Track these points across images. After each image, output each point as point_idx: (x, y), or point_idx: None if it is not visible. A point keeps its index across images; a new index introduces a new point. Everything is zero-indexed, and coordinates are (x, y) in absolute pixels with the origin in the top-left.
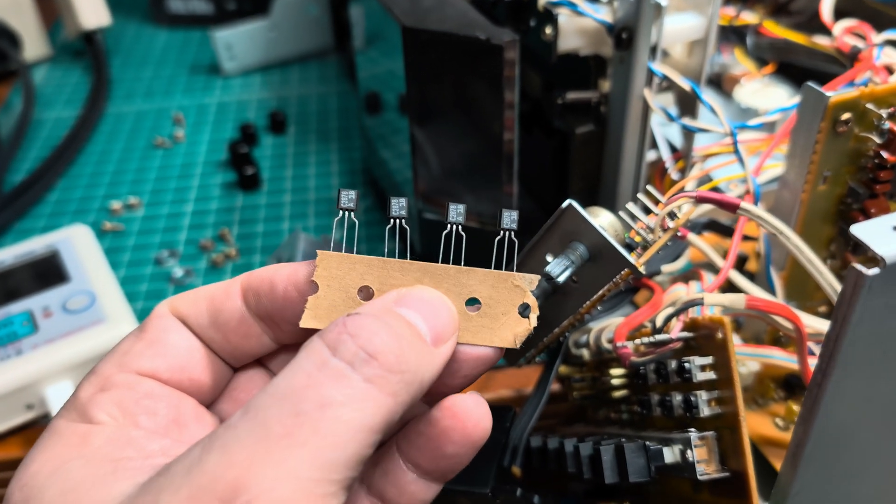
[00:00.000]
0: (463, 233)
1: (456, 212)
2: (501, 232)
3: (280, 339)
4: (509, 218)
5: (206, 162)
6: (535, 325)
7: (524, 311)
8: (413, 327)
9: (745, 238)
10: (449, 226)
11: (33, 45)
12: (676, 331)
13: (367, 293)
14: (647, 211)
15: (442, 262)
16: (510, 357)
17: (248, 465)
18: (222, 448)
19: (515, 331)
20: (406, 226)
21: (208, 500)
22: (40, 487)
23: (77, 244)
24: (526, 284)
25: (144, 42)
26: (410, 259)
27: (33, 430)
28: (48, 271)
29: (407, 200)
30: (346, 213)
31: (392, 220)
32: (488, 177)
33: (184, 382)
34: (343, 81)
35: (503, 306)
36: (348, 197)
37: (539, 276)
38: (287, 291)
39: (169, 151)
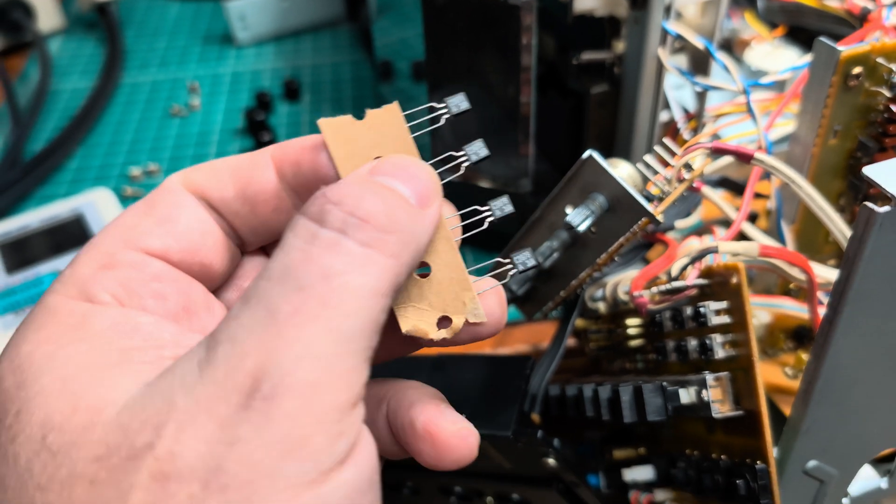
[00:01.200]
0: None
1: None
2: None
3: None
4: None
5: (223, 130)
6: (437, 339)
7: (444, 322)
8: (396, 192)
9: (756, 196)
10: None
11: (47, 16)
12: (692, 278)
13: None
14: (664, 164)
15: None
16: (527, 311)
17: (263, 352)
18: (230, 340)
19: (417, 323)
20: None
21: (226, 394)
22: (36, 371)
23: (100, 207)
24: (469, 309)
25: (157, 13)
26: None
27: None
28: (73, 233)
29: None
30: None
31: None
32: (504, 139)
33: (194, 267)
34: (356, 50)
35: (439, 301)
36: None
37: (485, 320)
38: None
39: (185, 120)
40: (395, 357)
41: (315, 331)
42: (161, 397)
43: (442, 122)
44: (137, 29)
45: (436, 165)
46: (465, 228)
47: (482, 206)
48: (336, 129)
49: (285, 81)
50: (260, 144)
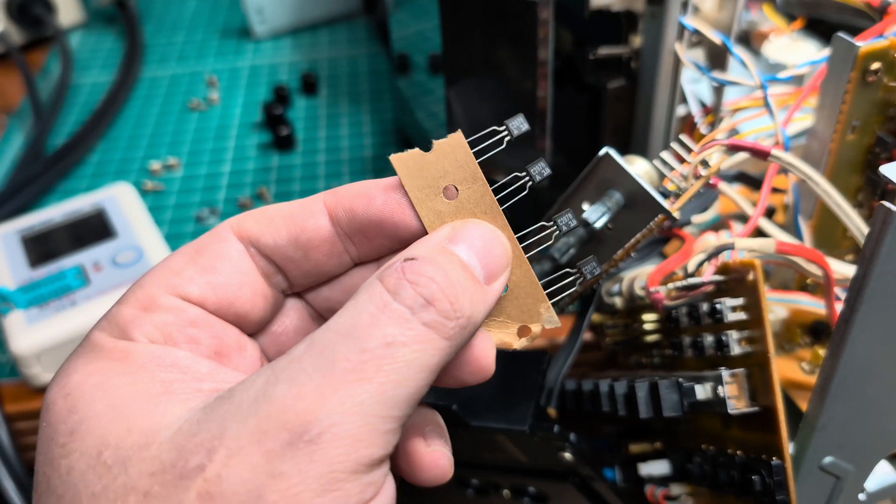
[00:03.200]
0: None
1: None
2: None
3: (366, 254)
4: (538, 169)
5: (241, 123)
6: (519, 348)
7: (523, 332)
8: (466, 268)
9: (773, 191)
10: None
11: (67, 11)
12: (708, 274)
13: (451, 192)
14: (681, 160)
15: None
16: None
17: (316, 398)
18: (290, 380)
19: (500, 336)
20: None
21: (277, 431)
22: (88, 398)
23: (121, 201)
24: (545, 318)
25: (175, 7)
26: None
27: None
28: (96, 227)
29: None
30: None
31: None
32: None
33: (229, 315)
34: (372, 44)
35: (516, 312)
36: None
37: (559, 325)
38: (387, 202)
39: (204, 114)
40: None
41: (368, 390)
42: (216, 423)
43: (504, 144)
44: (156, 23)
45: (499, 188)
46: (507, 196)
47: (520, 171)
48: (406, 163)
49: (303, 75)
50: (278, 138)
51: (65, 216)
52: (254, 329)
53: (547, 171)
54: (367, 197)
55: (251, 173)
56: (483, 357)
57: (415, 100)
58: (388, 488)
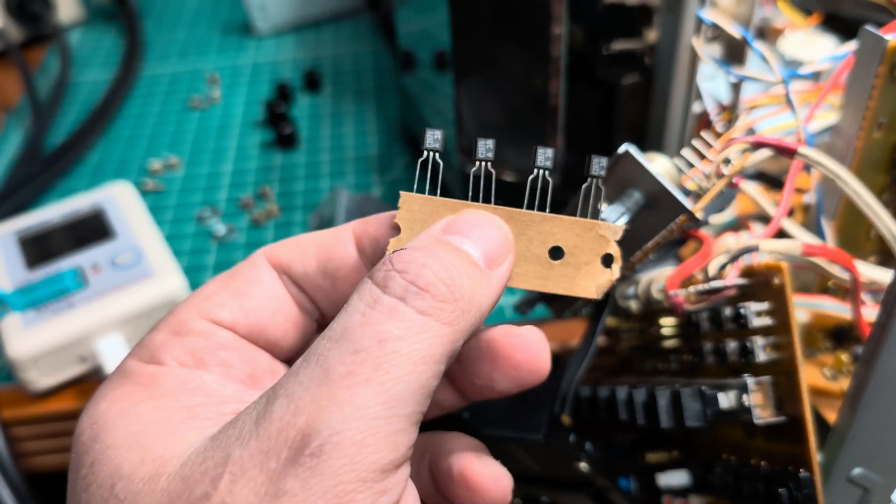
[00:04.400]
0: (492, 170)
1: (485, 147)
2: (535, 171)
3: None
4: (543, 156)
5: (244, 122)
6: (619, 276)
7: (607, 261)
8: (463, 253)
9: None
10: (477, 163)
11: (66, 8)
12: (731, 278)
13: None
14: (701, 158)
15: (483, 202)
16: (556, 309)
17: (314, 410)
18: (287, 396)
19: (598, 281)
20: (439, 160)
21: (278, 449)
22: (110, 426)
23: (121, 201)
24: (610, 234)
25: (175, 3)
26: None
27: (88, 382)
28: (94, 228)
29: (443, 133)
30: (431, 153)
31: (425, 153)
32: (532, 131)
33: (260, 341)
34: (377, 41)
35: (586, 256)
36: (433, 137)
37: (624, 227)
38: None
39: (205, 112)
40: (446, 413)
41: (366, 393)
42: (220, 450)
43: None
44: (156, 19)
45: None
46: (532, 199)
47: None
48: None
49: (306, 73)
50: (281, 137)
51: (63, 216)
52: (287, 356)
53: (550, 153)
54: (394, 227)
55: (253, 172)
56: (541, 353)
57: (420, 97)
58: (410, 497)
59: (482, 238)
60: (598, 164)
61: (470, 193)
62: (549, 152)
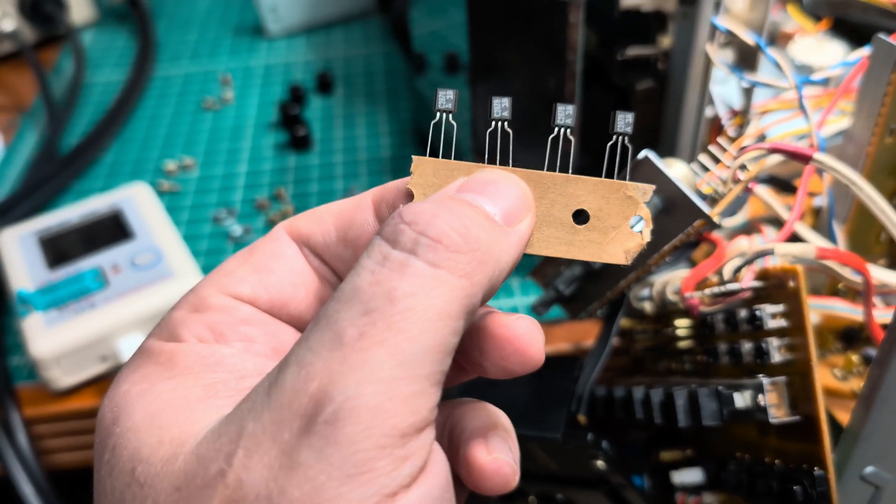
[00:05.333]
0: (509, 129)
1: (500, 106)
2: (556, 129)
3: None
4: (564, 113)
5: (257, 123)
6: (649, 239)
7: (636, 224)
8: (478, 208)
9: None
10: (493, 123)
11: (79, 9)
12: (747, 280)
13: None
14: (716, 162)
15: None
16: (572, 310)
17: (327, 375)
18: (298, 363)
19: (627, 246)
20: (453, 122)
21: (290, 418)
22: (129, 408)
23: (139, 202)
24: (639, 195)
25: (186, 5)
26: (512, 165)
27: (108, 380)
28: (113, 229)
29: (455, 93)
30: (444, 114)
31: (438, 114)
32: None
33: (283, 316)
34: (388, 43)
35: (613, 219)
36: (446, 97)
37: (654, 186)
38: None
39: (219, 113)
40: (468, 379)
41: (379, 355)
42: (235, 425)
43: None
44: (168, 21)
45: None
46: (554, 157)
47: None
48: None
49: (319, 75)
50: (295, 138)
51: (82, 217)
52: None
53: (571, 109)
54: (409, 194)
55: (268, 174)
56: (531, 343)
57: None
58: (438, 463)
59: (499, 195)
60: (624, 121)
61: (486, 155)
62: (570, 109)
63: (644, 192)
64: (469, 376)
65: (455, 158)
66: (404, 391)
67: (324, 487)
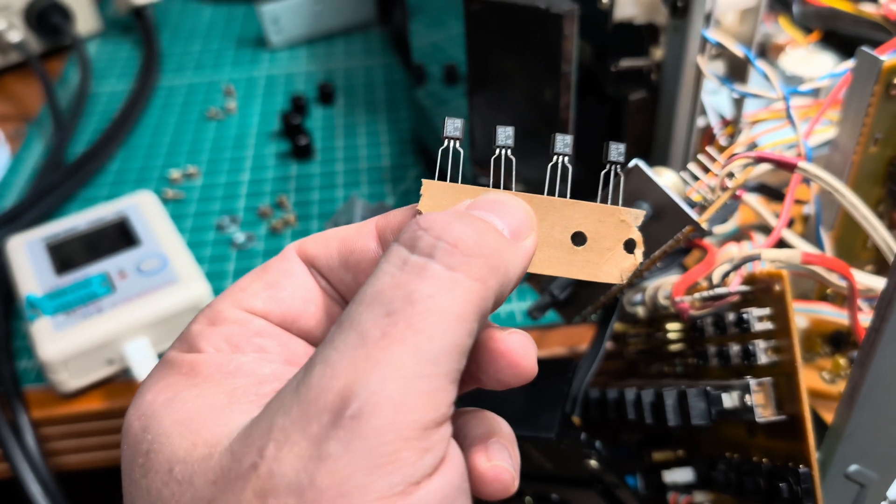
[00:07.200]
0: (512, 157)
1: (504, 135)
2: (554, 157)
3: None
4: (562, 143)
5: (259, 133)
6: (642, 260)
7: (629, 246)
8: (488, 223)
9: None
10: (497, 150)
11: (84, 20)
12: (735, 285)
13: None
14: (705, 171)
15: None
16: (567, 314)
17: (352, 372)
18: (324, 362)
19: (621, 266)
20: (460, 148)
21: (318, 413)
22: (158, 416)
23: (144, 209)
24: (632, 220)
25: (190, 17)
26: (515, 189)
27: (115, 383)
28: (119, 236)
29: (463, 122)
30: (452, 141)
31: (446, 142)
32: (542, 143)
33: (294, 330)
34: (388, 54)
35: (608, 241)
36: (454, 125)
37: (644, 211)
38: None
39: (222, 123)
40: (467, 390)
41: (401, 353)
42: (265, 422)
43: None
44: (172, 32)
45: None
46: (553, 186)
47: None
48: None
49: (320, 85)
50: (297, 147)
51: (89, 224)
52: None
53: (569, 139)
54: (417, 214)
55: (270, 182)
56: (523, 356)
57: (432, 109)
58: (455, 455)
59: (506, 213)
60: (616, 150)
61: (491, 180)
62: (568, 139)
63: (636, 216)
64: (468, 387)
65: (454, 168)
66: (425, 387)
67: (352, 477)
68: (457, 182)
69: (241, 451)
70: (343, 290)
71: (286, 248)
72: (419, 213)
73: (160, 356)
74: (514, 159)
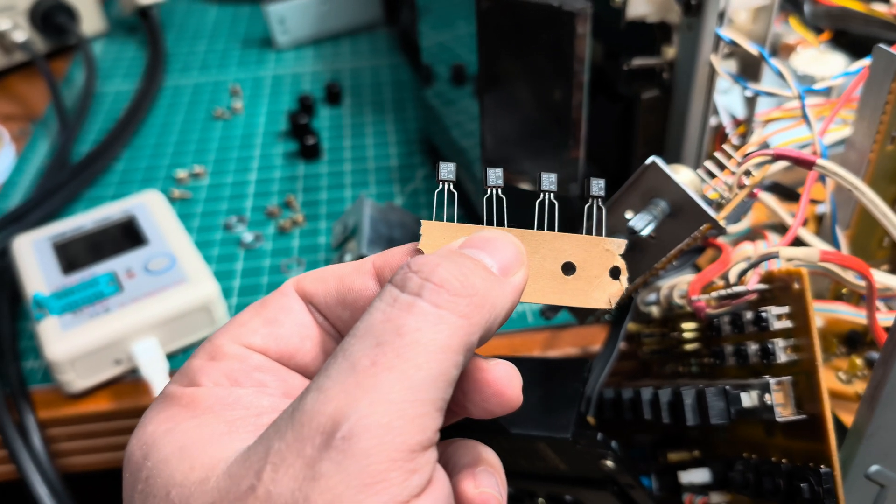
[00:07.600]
0: (503, 195)
1: (494, 175)
2: (541, 194)
3: None
4: (548, 181)
5: (266, 132)
6: (627, 286)
7: (615, 273)
8: (477, 261)
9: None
10: (489, 190)
11: (90, 20)
12: (753, 283)
13: None
14: (722, 169)
15: (497, 225)
16: (579, 315)
17: (343, 397)
18: (317, 389)
19: (609, 292)
20: (453, 190)
21: (311, 435)
22: (158, 444)
23: (152, 209)
24: (615, 248)
25: (196, 17)
26: (500, 225)
27: (122, 384)
28: (127, 235)
29: (456, 165)
30: (446, 184)
31: (441, 184)
32: (553, 143)
33: (291, 366)
34: (395, 54)
35: (595, 269)
36: (447, 169)
37: (626, 241)
38: None
39: (228, 122)
40: (455, 420)
41: (389, 379)
42: (262, 445)
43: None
44: (177, 32)
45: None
46: (541, 219)
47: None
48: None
49: (327, 85)
50: (304, 147)
51: (95, 223)
52: None
53: (553, 178)
54: (417, 252)
55: (278, 182)
56: (508, 384)
57: (440, 109)
58: (441, 479)
59: (496, 250)
60: (597, 186)
61: (485, 218)
62: (553, 177)
63: (619, 245)
64: (456, 418)
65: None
66: (411, 412)
67: (344, 495)
68: (453, 222)
69: (238, 473)
70: (340, 326)
71: (285, 283)
72: (419, 251)
73: (168, 356)
74: (504, 198)
